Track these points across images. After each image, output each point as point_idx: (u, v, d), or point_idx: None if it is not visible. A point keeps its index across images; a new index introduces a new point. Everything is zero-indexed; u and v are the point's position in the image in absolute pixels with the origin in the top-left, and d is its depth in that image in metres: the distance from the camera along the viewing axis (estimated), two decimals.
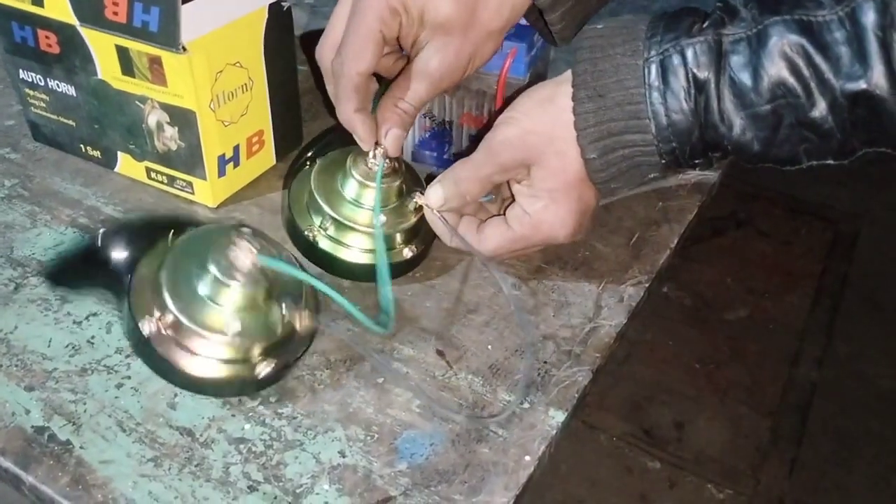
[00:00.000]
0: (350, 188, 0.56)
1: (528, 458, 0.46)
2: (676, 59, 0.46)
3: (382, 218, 0.54)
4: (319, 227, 0.56)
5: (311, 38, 0.89)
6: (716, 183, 0.70)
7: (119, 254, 0.49)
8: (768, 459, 1.57)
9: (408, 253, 0.56)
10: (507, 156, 0.51)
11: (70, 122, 0.65)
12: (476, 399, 0.49)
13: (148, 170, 0.63)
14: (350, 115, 0.53)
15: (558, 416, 0.48)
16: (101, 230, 0.49)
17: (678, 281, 1.96)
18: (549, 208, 0.52)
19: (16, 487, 0.44)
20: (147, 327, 0.45)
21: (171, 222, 0.52)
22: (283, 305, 0.47)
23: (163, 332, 0.45)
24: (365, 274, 0.56)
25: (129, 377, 0.49)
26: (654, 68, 0.46)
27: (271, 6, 0.60)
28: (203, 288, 0.46)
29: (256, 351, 0.46)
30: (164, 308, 0.45)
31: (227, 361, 0.46)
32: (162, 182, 0.63)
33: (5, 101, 0.75)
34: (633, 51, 0.47)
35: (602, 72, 0.48)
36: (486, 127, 0.53)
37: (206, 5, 0.56)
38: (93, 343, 0.51)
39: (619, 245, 0.62)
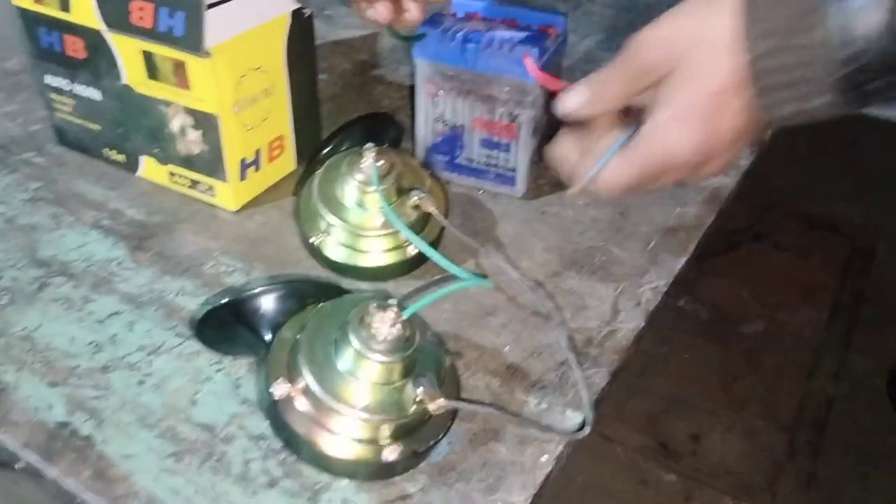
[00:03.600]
0: (349, 193, 0.57)
1: (545, 458, 0.46)
2: None
3: (379, 222, 0.56)
4: (324, 231, 0.57)
5: (331, 48, 0.90)
6: (733, 190, 0.70)
7: (267, 314, 0.48)
8: (785, 473, 1.56)
9: (412, 250, 0.57)
10: (642, 58, 0.44)
11: (95, 126, 0.66)
12: (494, 400, 0.49)
13: (170, 173, 0.64)
14: None
15: (575, 418, 0.48)
16: (256, 288, 0.48)
17: (694, 294, 1.95)
18: (675, 120, 0.44)
19: (38, 481, 0.45)
20: (278, 391, 0.43)
21: (324, 288, 0.51)
22: (419, 386, 0.44)
23: (293, 398, 0.43)
24: (375, 274, 0.57)
25: (150, 374, 0.49)
26: None
27: (294, 13, 0.61)
28: (338, 357, 0.44)
29: (385, 432, 0.43)
30: (297, 373, 0.44)
31: (353, 439, 0.43)
32: (184, 185, 0.64)
33: (31, 106, 0.76)
34: None
35: None
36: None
37: (230, 11, 0.57)
38: (115, 341, 0.51)
39: (635, 250, 0.62)
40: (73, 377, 0.49)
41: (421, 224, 0.58)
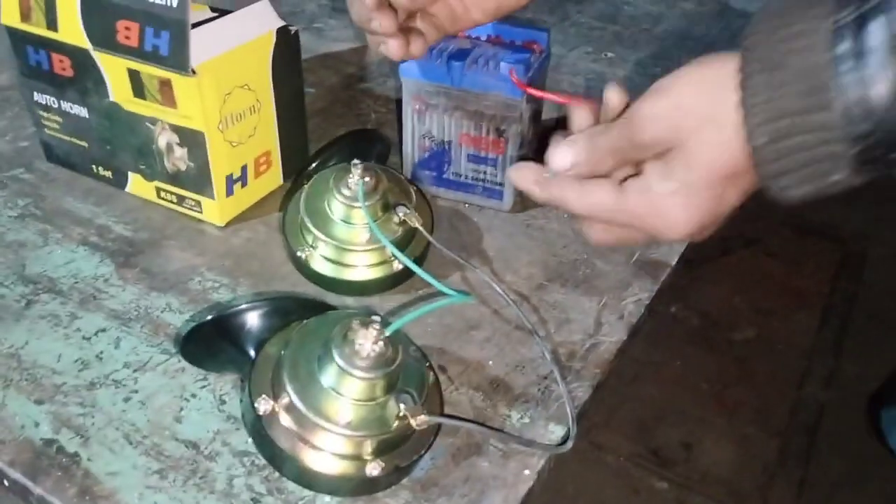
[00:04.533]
0: (336, 208, 0.57)
1: (527, 472, 0.46)
2: (877, 19, 0.36)
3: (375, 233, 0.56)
4: (311, 246, 0.58)
5: (320, 61, 0.91)
6: None
7: (251, 331, 0.48)
8: (776, 480, 1.56)
9: (398, 266, 0.58)
10: (648, 135, 0.42)
11: (82, 144, 0.67)
12: (477, 414, 0.50)
13: (158, 189, 0.65)
14: (370, 7, 0.50)
15: (558, 431, 0.49)
16: (240, 305, 0.48)
17: (685, 301, 1.96)
18: (678, 197, 0.42)
19: (24, 499, 0.45)
20: (262, 406, 0.44)
21: (308, 305, 0.51)
22: (402, 403, 0.44)
23: (277, 413, 0.44)
24: (361, 289, 0.58)
25: (136, 391, 0.50)
26: (847, 32, 0.37)
27: (279, 30, 0.62)
28: (321, 373, 0.44)
29: (368, 448, 0.44)
30: (281, 389, 0.44)
31: (336, 455, 0.43)
32: (171, 201, 0.65)
33: (20, 123, 0.77)
34: (820, 14, 0.38)
35: (780, 39, 0.39)
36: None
37: (216, 29, 0.58)
38: (101, 358, 0.52)
39: (619, 263, 0.63)
40: (59, 395, 0.49)
41: (406, 239, 0.58)
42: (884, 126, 0.37)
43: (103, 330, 0.54)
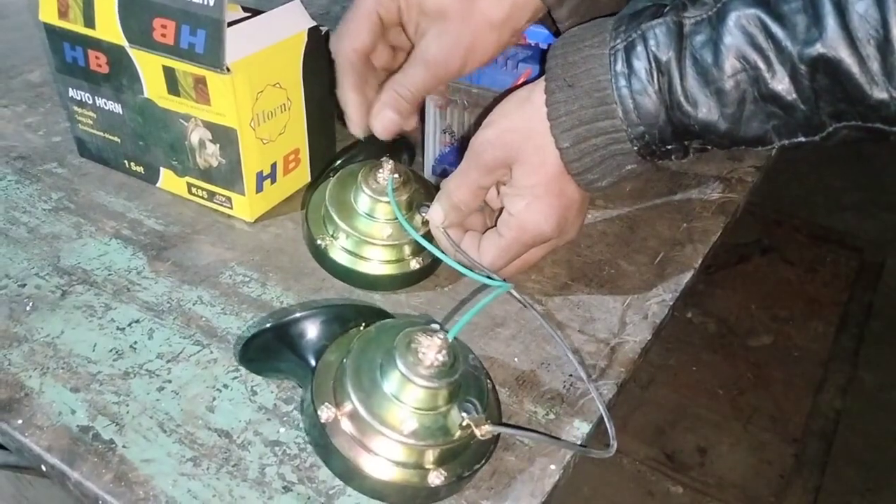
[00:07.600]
0: (362, 201, 0.58)
1: (553, 466, 0.47)
2: (639, 44, 0.47)
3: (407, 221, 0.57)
4: (332, 236, 0.59)
5: None
6: (740, 204, 0.71)
7: (311, 338, 0.48)
8: (792, 487, 1.56)
9: (415, 265, 0.59)
10: (489, 156, 0.52)
11: (115, 139, 0.68)
12: (503, 409, 0.50)
13: (189, 185, 0.66)
14: (344, 92, 0.57)
15: (583, 428, 0.49)
16: (299, 313, 0.48)
17: (702, 307, 1.96)
18: (531, 205, 0.52)
19: (61, 483, 0.46)
20: (325, 414, 0.44)
21: (365, 312, 0.52)
22: (464, 412, 0.44)
23: (340, 421, 0.44)
24: (380, 283, 0.59)
25: (169, 381, 0.51)
26: (619, 55, 0.47)
27: (310, 30, 0.63)
28: (385, 381, 0.44)
29: (430, 457, 0.44)
30: (344, 396, 0.44)
31: (398, 463, 0.43)
32: (202, 197, 0.66)
33: (53, 119, 0.78)
34: (600, 42, 0.48)
35: (572, 64, 0.49)
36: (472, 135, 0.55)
37: (250, 29, 0.59)
38: (135, 348, 0.53)
39: (643, 264, 0.63)
40: (94, 383, 0.50)
41: (429, 237, 0.59)
42: (654, 126, 0.47)
43: (137, 321, 0.55)
